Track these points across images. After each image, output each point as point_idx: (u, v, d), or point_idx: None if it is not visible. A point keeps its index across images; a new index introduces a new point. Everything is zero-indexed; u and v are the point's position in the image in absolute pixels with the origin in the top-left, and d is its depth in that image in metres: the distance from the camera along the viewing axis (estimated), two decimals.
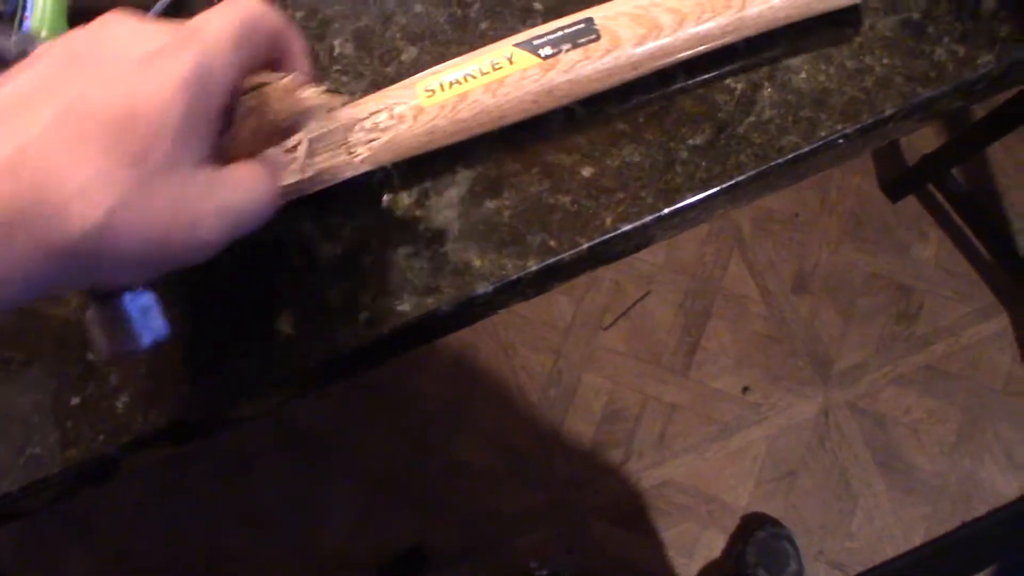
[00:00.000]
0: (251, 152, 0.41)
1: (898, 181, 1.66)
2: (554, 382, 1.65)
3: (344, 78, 0.56)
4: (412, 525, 1.61)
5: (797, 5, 0.52)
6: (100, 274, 0.33)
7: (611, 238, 0.51)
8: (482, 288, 0.51)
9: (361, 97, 0.56)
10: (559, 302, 1.69)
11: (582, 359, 1.65)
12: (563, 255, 0.51)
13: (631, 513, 1.58)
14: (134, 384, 0.53)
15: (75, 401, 0.53)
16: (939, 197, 1.65)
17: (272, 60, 0.41)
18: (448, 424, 1.65)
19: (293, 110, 0.41)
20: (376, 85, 0.56)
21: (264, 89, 0.41)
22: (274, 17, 0.39)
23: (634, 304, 1.68)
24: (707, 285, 1.67)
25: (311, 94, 0.42)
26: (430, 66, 0.55)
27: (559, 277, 0.53)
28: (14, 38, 0.43)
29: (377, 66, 0.56)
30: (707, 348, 1.64)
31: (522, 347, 1.68)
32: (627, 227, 0.51)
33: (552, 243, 0.51)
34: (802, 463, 1.56)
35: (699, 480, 1.58)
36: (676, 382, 1.63)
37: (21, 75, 0.32)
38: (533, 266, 0.51)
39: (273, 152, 0.42)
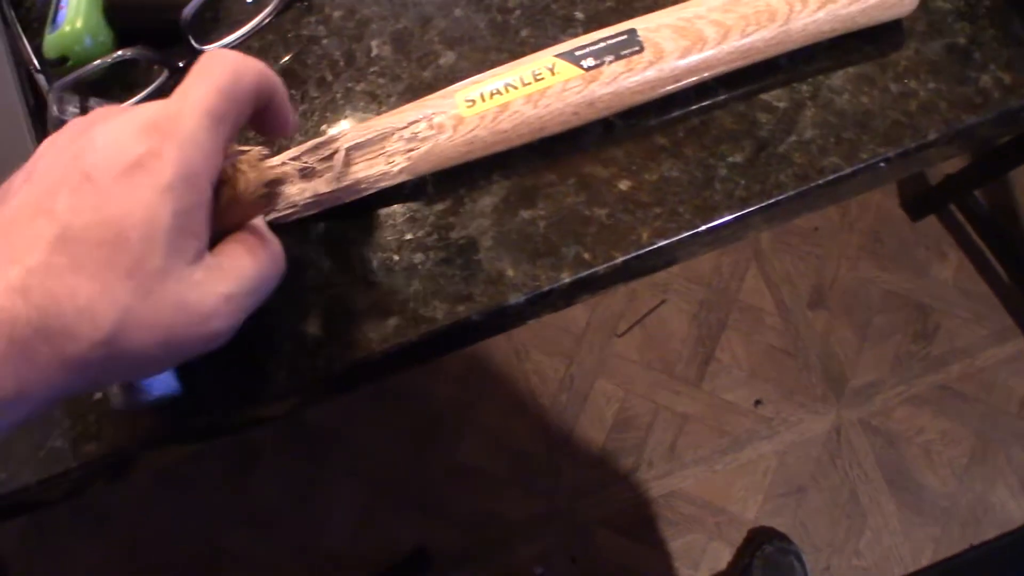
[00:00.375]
0: (240, 219, 0.42)
1: (919, 199, 1.65)
2: (566, 388, 1.64)
3: (380, 80, 0.56)
4: (415, 527, 1.60)
5: (841, 18, 0.51)
6: (117, 376, 0.36)
7: (647, 253, 0.50)
8: (514, 298, 0.50)
9: (397, 101, 0.55)
10: (574, 308, 1.68)
11: (595, 366, 1.65)
12: (597, 268, 0.50)
13: (638, 523, 1.58)
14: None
15: (97, 396, 0.53)
16: (960, 217, 1.64)
17: (258, 111, 0.41)
18: (456, 426, 1.64)
19: (262, 180, 0.41)
20: (413, 89, 0.55)
21: (233, 163, 0.41)
22: (252, 71, 0.39)
23: (649, 312, 1.67)
24: (723, 296, 1.66)
25: (278, 164, 0.43)
26: (468, 72, 0.55)
27: (591, 290, 0.52)
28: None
29: (415, 70, 0.56)
30: (721, 360, 1.63)
31: (535, 351, 1.67)
32: (663, 243, 0.50)
33: (587, 256, 0.50)
34: (812, 479, 1.55)
35: (708, 492, 1.57)
36: (688, 392, 1.62)
37: (22, 190, 0.34)
38: (567, 278, 0.50)
39: (258, 221, 0.43)
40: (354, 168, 0.52)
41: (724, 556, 1.54)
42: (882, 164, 0.51)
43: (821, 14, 0.51)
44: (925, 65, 0.53)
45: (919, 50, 0.53)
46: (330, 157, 0.52)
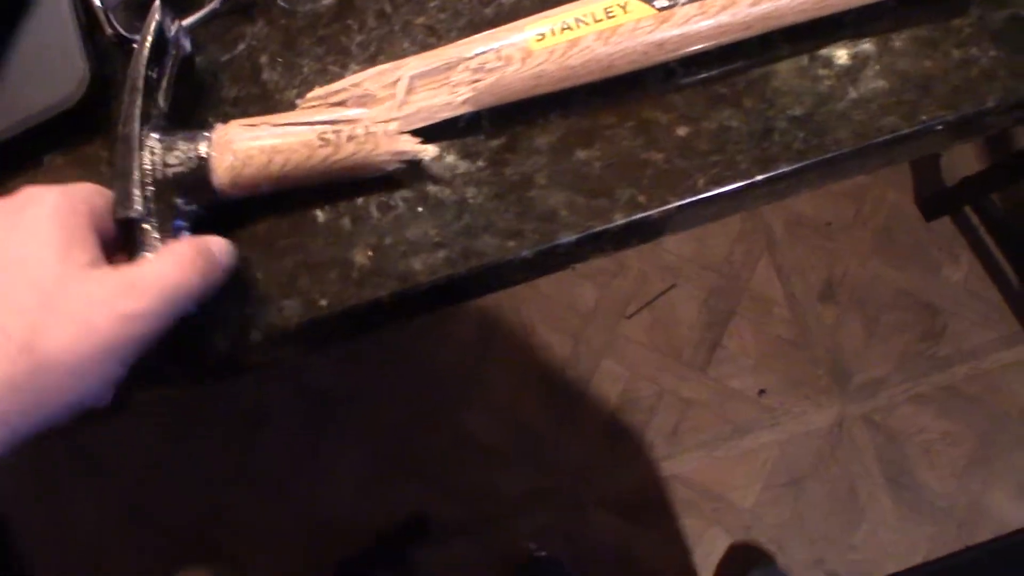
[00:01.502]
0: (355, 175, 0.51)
1: (935, 200, 1.65)
2: (572, 366, 1.64)
3: (441, 15, 0.56)
4: (415, 494, 1.60)
5: None
6: (61, 385, 0.39)
7: (702, 200, 0.50)
8: (566, 237, 0.50)
9: (456, 36, 0.55)
10: (583, 286, 1.68)
11: (602, 345, 1.65)
12: (651, 212, 0.50)
13: (635, 504, 1.58)
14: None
15: None
16: (974, 220, 1.65)
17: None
18: (461, 397, 1.64)
19: (392, 150, 0.51)
20: (473, 25, 0.55)
21: (367, 126, 0.50)
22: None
23: (659, 295, 1.67)
24: (734, 284, 1.66)
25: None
26: (530, 11, 0.54)
27: (643, 234, 0.52)
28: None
29: (476, 5, 0.55)
30: (728, 347, 1.63)
31: (543, 327, 1.67)
32: (719, 190, 0.50)
33: (641, 199, 0.50)
34: (812, 471, 1.56)
35: (707, 478, 1.57)
36: (694, 378, 1.62)
37: None
38: (620, 219, 0.50)
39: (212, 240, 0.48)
40: (415, 97, 0.52)
41: (719, 542, 1.55)
42: (939, 127, 0.51)
43: None
44: (988, 33, 0.53)
45: (983, 17, 0.53)
46: (393, 84, 0.52)
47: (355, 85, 0.52)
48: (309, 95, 0.53)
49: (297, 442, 1.64)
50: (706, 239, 1.69)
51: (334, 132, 0.49)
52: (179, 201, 0.48)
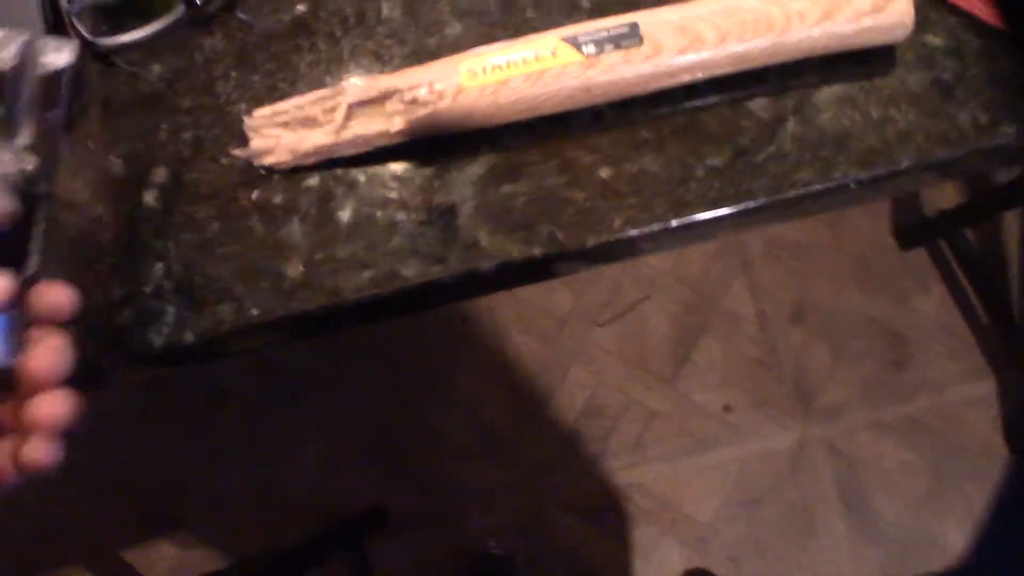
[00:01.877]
0: None
1: (911, 230, 1.67)
2: (541, 369, 1.66)
3: (387, 42, 0.58)
4: (375, 484, 1.63)
5: (836, 37, 0.53)
6: None
7: (617, 240, 0.52)
8: (486, 266, 0.53)
9: (400, 64, 0.57)
10: (559, 291, 1.70)
11: (572, 351, 1.67)
12: (568, 248, 0.52)
13: (594, 508, 1.60)
14: (135, 302, 0.55)
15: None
16: (948, 253, 1.66)
17: None
18: (428, 391, 1.66)
19: None
20: (416, 54, 0.57)
21: None
22: None
23: (632, 306, 1.70)
24: (707, 300, 1.68)
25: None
26: (471, 44, 0.56)
27: (560, 269, 0.54)
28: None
29: (421, 36, 0.58)
30: (696, 362, 1.65)
31: (516, 329, 1.69)
32: (634, 232, 0.52)
33: (560, 235, 0.53)
34: (770, 490, 1.58)
35: (667, 489, 1.60)
36: (661, 389, 1.64)
37: None
38: (538, 254, 0.52)
39: None
40: (354, 123, 0.54)
41: (674, 553, 1.57)
42: (852, 185, 0.54)
43: (817, 31, 0.53)
44: (908, 95, 0.55)
45: (905, 80, 0.55)
46: (332, 110, 0.54)
47: (298, 107, 0.55)
48: (256, 112, 0.56)
49: (261, 421, 1.67)
50: (684, 253, 1.71)
51: None
52: None
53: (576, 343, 1.68)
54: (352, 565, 1.53)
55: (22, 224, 0.39)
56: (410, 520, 1.61)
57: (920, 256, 1.68)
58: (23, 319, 0.38)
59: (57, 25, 0.61)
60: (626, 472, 1.61)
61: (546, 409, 1.65)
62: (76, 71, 0.41)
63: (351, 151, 0.54)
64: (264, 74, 0.58)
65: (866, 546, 1.55)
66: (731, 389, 1.64)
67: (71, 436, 0.41)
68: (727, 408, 1.63)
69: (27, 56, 0.38)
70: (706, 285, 1.69)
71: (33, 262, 0.39)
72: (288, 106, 0.55)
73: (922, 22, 0.55)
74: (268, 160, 0.56)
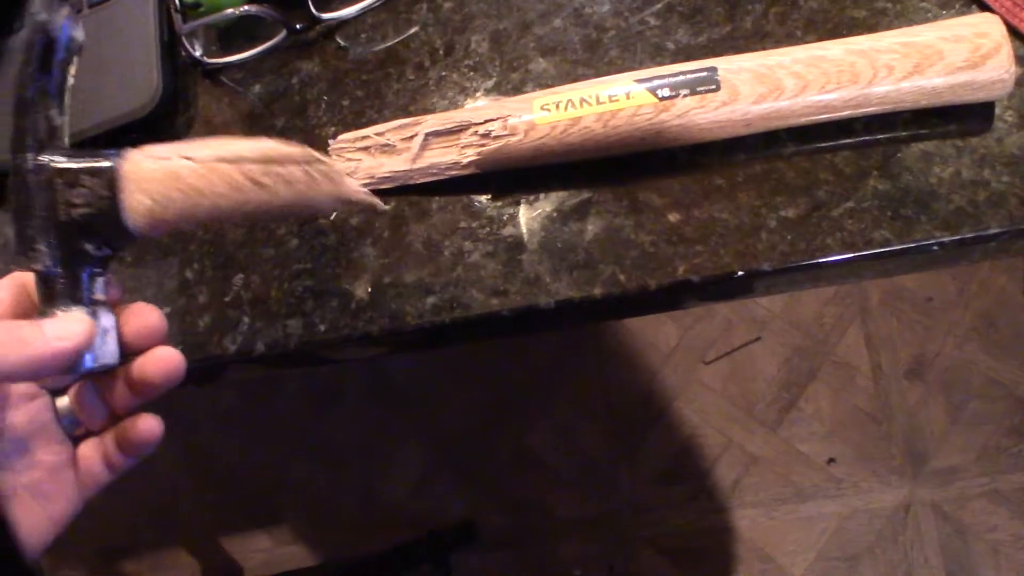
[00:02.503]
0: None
1: None
2: (643, 402, 1.65)
3: (472, 74, 0.59)
4: (468, 500, 1.64)
5: (926, 92, 0.51)
6: None
7: (678, 286, 0.52)
8: (545, 303, 0.53)
9: (483, 96, 0.58)
10: (666, 325, 1.68)
11: (676, 387, 1.65)
12: (628, 290, 0.52)
13: (684, 550, 1.57)
14: (215, 309, 0.58)
15: (166, 310, 0.58)
16: None
17: None
18: (528, 414, 1.67)
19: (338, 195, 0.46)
20: (499, 87, 0.58)
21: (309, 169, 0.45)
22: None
23: (741, 346, 1.66)
24: (819, 346, 1.62)
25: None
26: (554, 81, 0.57)
27: (618, 312, 0.54)
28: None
29: (505, 70, 0.58)
30: (803, 409, 1.60)
31: (620, 360, 1.68)
32: (696, 279, 0.51)
33: (621, 277, 0.52)
34: (869, 550, 1.51)
35: (760, 537, 1.55)
36: (763, 434, 1.60)
37: None
38: (598, 294, 0.52)
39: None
40: (429, 153, 0.56)
41: None
42: (935, 247, 0.51)
43: (906, 84, 0.51)
44: (1005, 157, 0.52)
45: (1002, 140, 0.52)
46: (410, 139, 0.56)
47: (379, 135, 0.56)
48: (340, 137, 0.58)
49: (366, 427, 1.71)
50: (798, 296, 1.66)
51: (266, 175, 0.43)
52: (88, 247, 0.42)
53: (680, 380, 1.65)
54: None
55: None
56: (498, 539, 1.61)
57: None
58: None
59: (171, 43, 0.65)
60: (720, 516, 1.57)
61: (645, 443, 1.63)
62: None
63: (425, 179, 0.56)
64: (353, 100, 0.61)
65: None
66: (837, 441, 1.57)
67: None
68: (832, 460, 1.57)
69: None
70: (819, 331, 1.64)
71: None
72: (370, 132, 0.57)
73: None
74: None
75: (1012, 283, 1.59)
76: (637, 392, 1.66)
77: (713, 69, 0.52)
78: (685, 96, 0.51)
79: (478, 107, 0.55)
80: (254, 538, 1.71)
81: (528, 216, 0.55)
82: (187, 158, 0.42)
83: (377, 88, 0.60)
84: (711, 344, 1.67)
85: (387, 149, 0.56)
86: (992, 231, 0.51)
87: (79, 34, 0.43)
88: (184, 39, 0.63)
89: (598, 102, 0.52)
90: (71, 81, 0.43)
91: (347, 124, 0.60)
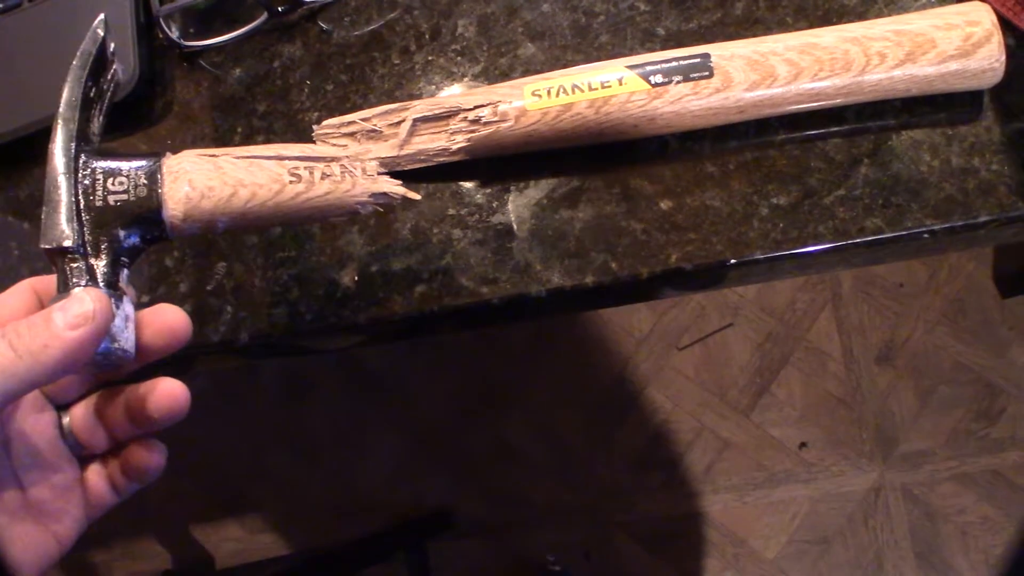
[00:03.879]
0: (333, 214, 0.47)
1: (1014, 278, 1.59)
2: (617, 388, 1.65)
3: (459, 59, 0.58)
4: (444, 488, 1.64)
5: (918, 80, 0.51)
6: None
7: (671, 274, 0.51)
8: (535, 291, 0.52)
9: (470, 82, 0.57)
10: (640, 311, 1.68)
11: (649, 373, 1.65)
12: (621, 278, 0.52)
13: (658, 535, 1.58)
14: (197, 298, 0.57)
15: (145, 299, 0.57)
16: None
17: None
18: (504, 401, 1.67)
19: (370, 191, 0.47)
20: (487, 73, 0.57)
21: (344, 165, 0.47)
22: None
23: (714, 332, 1.66)
24: (791, 332, 1.64)
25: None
26: (543, 66, 0.56)
27: (610, 299, 0.54)
28: None
29: (493, 55, 0.58)
30: (775, 395, 1.61)
31: (595, 347, 1.68)
32: (689, 267, 0.51)
33: (613, 265, 0.52)
34: (840, 533, 1.53)
35: (733, 521, 1.56)
36: (736, 420, 1.61)
37: None
38: (589, 282, 0.52)
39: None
40: (417, 139, 0.55)
41: None
42: (926, 235, 0.51)
43: (898, 72, 0.51)
44: (993, 145, 0.52)
45: (991, 128, 0.53)
46: (397, 124, 0.55)
47: (365, 120, 0.55)
48: (324, 122, 0.57)
49: (342, 416, 1.70)
50: (771, 283, 1.67)
51: (307, 169, 0.45)
52: (120, 233, 0.42)
53: (654, 365, 1.66)
54: (412, 565, 1.55)
55: None
56: (474, 527, 1.61)
57: (1021, 305, 1.60)
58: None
59: (148, 26, 0.63)
60: (694, 500, 1.59)
61: (619, 430, 1.63)
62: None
63: (412, 166, 0.55)
64: (337, 84, 0.59)
65: None
66: (809, 426, 1.59)
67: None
68: (803, 445, 1.58)
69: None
70: (792, 317, 1.65)
71: None
72: (356, 118, 0.56)
73: (1015, 68, 0.52)
74: None
75: (981, 269, 1.61)
76: (611, 379, 1.66)
77: (706, 55, 0.52)
78: (678, 83, 0.51)
79: (467, 93, 0.54)
80: (226, 527, 1.69)
81: (518, 203, 0.54)
82: (230, 155, 0.45)
83: (362, 72, 0.59)
84: (684, 330, 1.67)
85: (374, 135, 0.55)
86: (982, 219, 0.51)
87: (120, 70, 0.49)
88: (161, 21, 0.62)
89: (590, 88, 0.51)
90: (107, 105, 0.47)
91: (331, 109, 0.59)
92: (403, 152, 0.54)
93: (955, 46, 0.50)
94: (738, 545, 1.55)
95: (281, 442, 1.71)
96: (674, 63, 0.52)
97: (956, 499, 1.52)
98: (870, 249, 0.51)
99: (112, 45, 0.47)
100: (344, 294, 0.55)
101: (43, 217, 0.41)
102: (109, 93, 0.47)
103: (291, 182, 0.44)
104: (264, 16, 0.62)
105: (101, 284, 0.41)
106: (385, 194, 0.47)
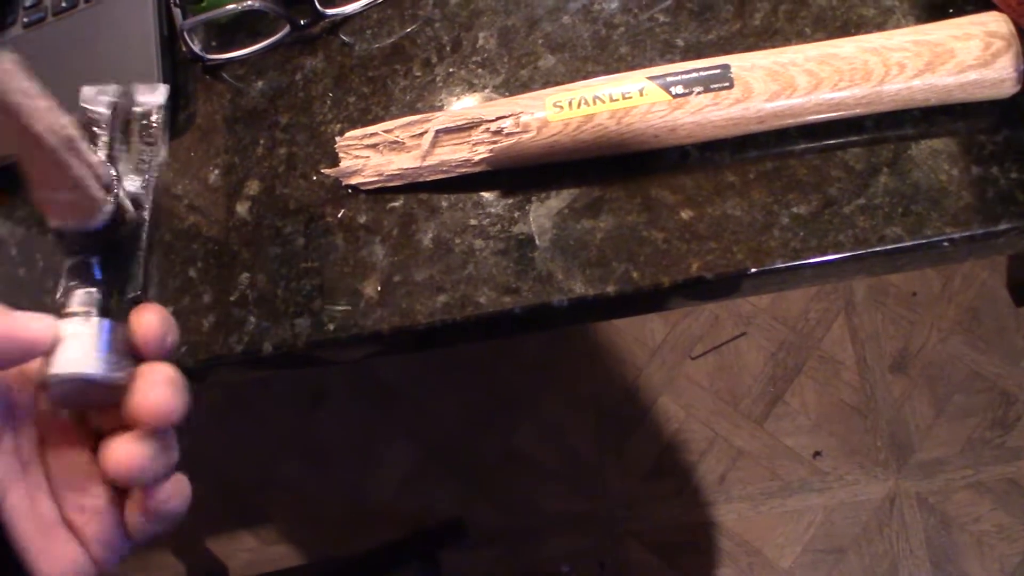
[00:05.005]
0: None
1: None
2: (630, 398, 1.65)
3: (480, 71, 0.59)
4: (456, 497, 1.64)
5: (937, 90, 0.51)
6: None
7: (692, 283, 0.52)
8: (558, 300, 0.52)
9: (491, 93, 0.58)
10: (653, 321, 1.69)
11: (662, 382, 1.65)
12: (642, 288, 0.52)
13: (672, 545, 1.58)
14: (220, 309, 0.57)
15: (170, 309, 0.57)
16: None
17: None
18: (517, 412, 1.67)
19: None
20: (508, 84, 0.58)
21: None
22: None
23: (728, 341, 1.66)
24: (805, 341, 1.64)
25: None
26: (563, 78, 0.57)
27: (632, 309, 0.54)
28: None
29: (513, 67, 0.58)
30: (788, 403, 1.61)
31: (607, 356, 1.68)
32: (710, 276, 0.51)
33: (635, 274, 0.52)
34: (854, 543, 1.52)
35: (747, 531, 1.56)
36: (749, 429, 1.61)
37: None
38: (611, 292, 0.52)
39: None
40: (439, 150, 0.55)
41: None
42: (946, 244, 0.51)
43: (917, 82, 0.51)
44: (1012, 154, 0.53)
45: (1010, 137, 0.53)
46: (419, 136, 0.55)
47: (387, 132, 0.56)
48: (347, 134, 0.57)
49: (354, 426, 1.71)
50: (784, 292, 1.66)
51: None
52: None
53: (667, 375, 1.66)
54: (425, 575, 1.55)
55: (126, 246, 0.40)
56: (487, 536, 1.61)
57: None
58: (126, 339, 0.38)
59: (171, 39, 0.64)
60: (707, 510, 1.58)
61: (631, 439, 1.63)
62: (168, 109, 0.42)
63: (435, 176, 0.55)
64: (359, 96, 0.60)
65: None
66: (823, 435, 1.59)
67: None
68: (817, 454, 1.58)
69: (121, 103, 0.41)
70: (805, 325, 1.65)
71: (137, 283, 0.40)
72: (378, 129, 0.56)
73: None
74: (355, 180, 0.57)
75: (994, 277, 1.61)
76: (624, 388, 1.66)
77: (726, 66, 0.52)
78: (699, 93, 0.51)
79: (489, 104, 0.55)
80: (240, 537, 1.70)
81: (539, 213, 0.54)
82: None
83: (383, 84, 0.60)
84: (697, 339, 1.67)
85: (396, 146, 0.56)
86: (1002, 227, 0.51)
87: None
88: (184, 35, 0.63)
89: (611, 100, 0.52)
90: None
91: (353, 121, 0.59)
92: (425, 163, 0.55)
93: (974, 56, 0.50)
94: (752, 555, 1.55)
95: (294, 452, 1.72)
96: (694, 74, 0.52)
97: (971, 508, 1.51)
98: (890, 258, 0.52)
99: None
100: (367, 304, 0.55)
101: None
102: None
103: None
104: (286, 29, 0.62)
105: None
106: None
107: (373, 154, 0.56)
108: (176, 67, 0.64)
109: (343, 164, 0.57)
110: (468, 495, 1.64)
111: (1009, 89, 0.52)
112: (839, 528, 1.54)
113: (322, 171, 0.58)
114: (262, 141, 0.61)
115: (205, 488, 1.71)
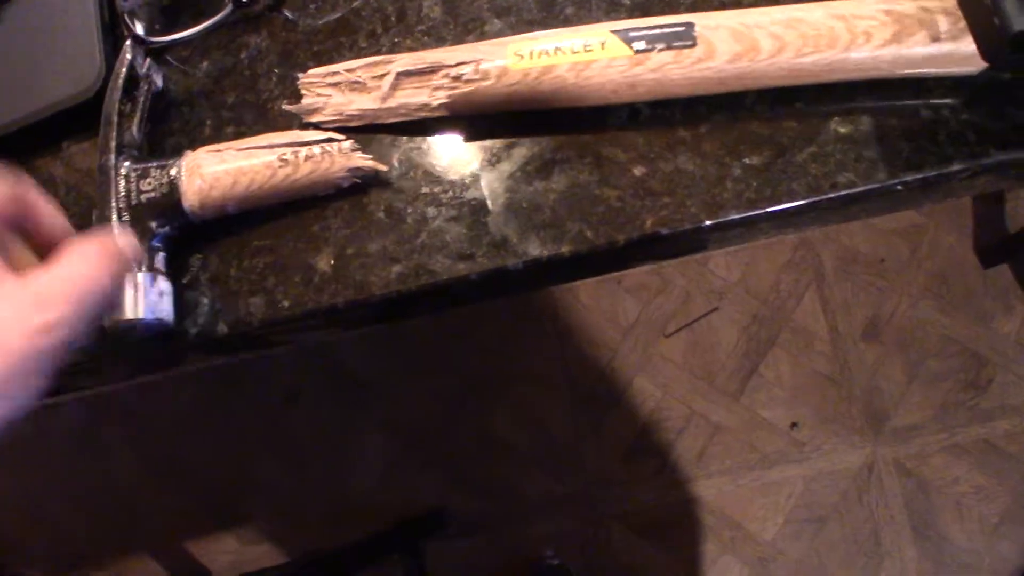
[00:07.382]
0: (316, 191, 0.55)
1: (994, 248, 1.60)
2: (604, 378, 1.65)
3: (426, 39, 0.58)
4: (436, 487, 1.64)
5: (902, 62, 0.50)
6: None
7: (648, 240, 0.51)
8: (513, 264, 0.52)
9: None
10: (626, 300, 1.69)
11: (637, 362, 1.65)
12: (597, 246, 0.51)
13: (653, 523, 1.58)
14: (174, 292, 0.56)
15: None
16: None
17: (18, 219, 0.43)
18: (491, 397, 1.67)
19: (347, 166, 0.54)
20: None
21: (324, 146, 0.54)
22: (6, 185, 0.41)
23: (700, 317, 1.67)
24: (777, 313, 1.64)
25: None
26: None
27: (589, 269, 0.53)
28: None
29: (460, 33, 0.57)
30: (764, 376, 1.61)
31: (580, 338, 1.68)
32: (665, 231, 0.51)
33: (589, 233, 0.52)
34: (835, 511, 1.53)
35: (728, 505, 1.56)
36: (726, 403, 1.61)
37: None
38: (566, 252, 0.52)
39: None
40: (400, 93, 0.55)
41: (734, 571, 1.54)
42: (899, 187, 0.51)
43: (884, 52, 0.50)
44: (961, 95, 0.52)
45: (959, 79, 0.53)
46: (381, 77, 0.55)
47: (349, 71, 0.56)
48: (309, 71, 0.57)
49: (328, 422, 1.70)
50: (754, 265, 1.67)
51: (292, 153, 0.53)
52: (153, 224, 0.53)
53: (641, 353, 1.66)
54: (408, 566, 1.54)
55: None
56: (468, 524, 1.61)
57: (1003, 274, 1.61)
58: None
59: (113, 23, 0.63)
60: (687, 487, 1.59)
61: (609, 419, 1.63)
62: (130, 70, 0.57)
63: (394, 119, 0.55)
64: (305, 71, 0.59)
65: (935, 572, 1.49)
66: (799, 405, 1.59)
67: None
68: (794, 425, 1.59)
69: None
70: (776, 298, 1.65)
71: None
72: (340, 68, 0.56)
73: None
74: (316, 118, 0.57)
75: (962, 241, 1.62)
76: (598, 369, 1.66)
77: (691, 24, 0.51)
78: (660, 50, 0.51)
79: (451, 48, 0.54)
80: (220, 540, 1.68)
81: (491, 178, 0.54)
82: (233, 148, 0.54)
83: (329, 58, 0.59)
84: (670, 317, 1.68)
85: (357, 86, 0.56)
86: (955, 168, 0.51)
87: (158, 79, 0.59)
88: (125, 17, 0.61)
89: (572, 52, 0.51)
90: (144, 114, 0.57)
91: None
92: (385, 105, 0.55)
93: (944, 30, 0.49)
94: (734, 528, 1.56)
95: (269, 451, 1.70)
96: (657, 30, 0.51)
97: (949, 470, 1.52)
98: (844, 204, 0.51)
99: (146, 63, 0.58)
100: (321, 279, 0.54)
101: (94, 218, 0.53)
102: (146, 102, 0.58)
103: (280, 167, 0.53)
104: (229, 8, 0.61)
105: (143, 268, 0.52)
106: (359, 167, 0.54)
107: (335, 93, 0.56)
108: (118, 52, 0.63)
109: (304, 101, 0.57)
110: (448, 484, 1.64)
111: (977, 64, 0.51)
112: (819, 497, 1.55)
113: (284, 107, 0.58)
114: (209, 121, 0.60)
115: (182, 492, 1.69)
